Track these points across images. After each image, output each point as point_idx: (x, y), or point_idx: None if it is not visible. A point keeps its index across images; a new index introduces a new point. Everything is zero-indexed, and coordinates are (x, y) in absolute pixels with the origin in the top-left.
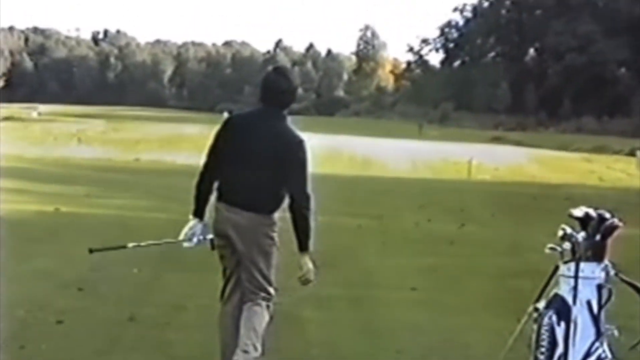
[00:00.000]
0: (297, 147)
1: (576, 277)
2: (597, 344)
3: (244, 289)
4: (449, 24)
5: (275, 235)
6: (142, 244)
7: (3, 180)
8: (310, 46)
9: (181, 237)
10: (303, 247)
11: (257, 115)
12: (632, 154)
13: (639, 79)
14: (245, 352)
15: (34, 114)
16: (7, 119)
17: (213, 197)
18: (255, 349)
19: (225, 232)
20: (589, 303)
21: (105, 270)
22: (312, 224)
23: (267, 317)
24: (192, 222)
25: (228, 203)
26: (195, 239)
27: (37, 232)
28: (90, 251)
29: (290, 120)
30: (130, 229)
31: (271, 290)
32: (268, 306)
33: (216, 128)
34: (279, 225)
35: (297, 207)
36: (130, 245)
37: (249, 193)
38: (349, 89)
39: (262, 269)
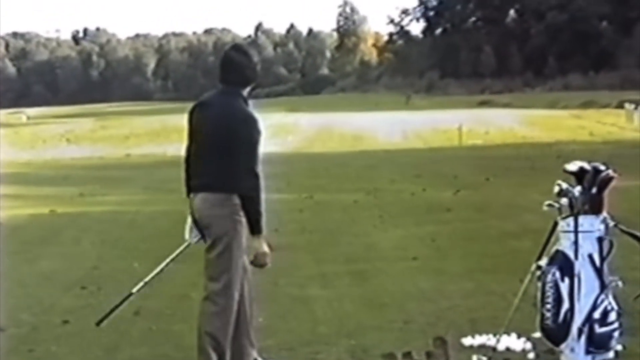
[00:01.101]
0: (245, 124)
1: (576, 231)
2: (602, 297)
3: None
4: None
5: (233, 215)
6: (146, 279)
7: None
8: (291, 27)
9: (186, 236)
10: (254, 230)
11: (215, 96)
12: (620, 106)
13: (622, 32)
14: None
15: (23, 118)
16: None
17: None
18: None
19: (194, 220)
20: (590, 257)
21: (107, 266)
22: (262, 205)
23: (215, 318)
24: (189, 217)
25: (192, 190)
26: (194, 237)
27: (34, 235)
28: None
29: (251, 102)
30: (128, 224)
31: (214, 285)
32: (216, 302)
33: None
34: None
35: (243, 187)
36: (135, 290)
37: (205, 175)
38: (333, 66)
39: (211, 256)
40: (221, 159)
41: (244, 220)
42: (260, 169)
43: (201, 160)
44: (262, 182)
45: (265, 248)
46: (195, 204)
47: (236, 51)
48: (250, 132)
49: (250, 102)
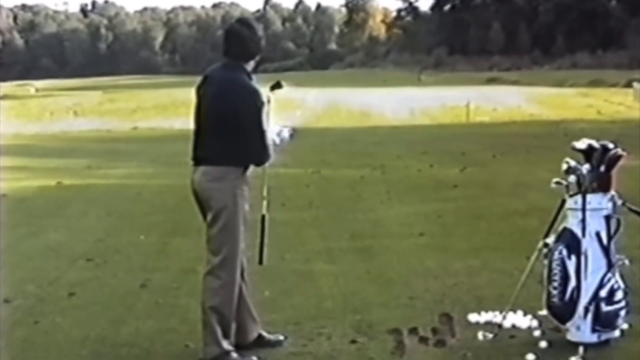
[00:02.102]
0: (248, 98)
1: (584, 209)
2: (609, 275)
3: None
4: None
5: (234, 188)
6: None
7: (4, 159)
8: (300, 2)
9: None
10: None
11: (218, 69)
12: (629, 85)
13: (631, 11)
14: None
15: (31, 91)
16: (2, 97)
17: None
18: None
19: (195, 194)
20: (598, 235)
21: (113, 239)
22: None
23: (219, 292)
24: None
25: (195, 163)
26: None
27: (41, 207)
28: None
29: (259, 76)
30: (135, 197)
31: (216, 259)
32: (218, 276)
33: None
34: (247, 180)
35: (255, 158)
36: None
37: (206, 148)
38: (341, 42)
39: (213, 230)
40: (223, 132)
41: (245, 192)
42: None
43: (204, 133)
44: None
45: None
46: (196, 177)
47: (240, 24)
48: (253, 104)
49: (259, 76)
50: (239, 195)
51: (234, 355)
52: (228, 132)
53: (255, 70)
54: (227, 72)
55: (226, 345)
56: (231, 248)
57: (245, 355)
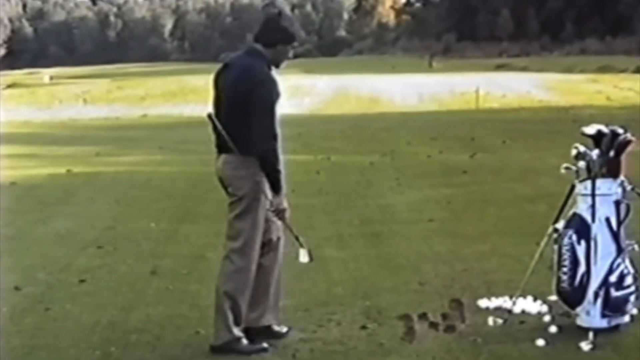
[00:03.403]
0: (262, 86)
1: (593, 194)
2: (618, 260)
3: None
4: None
5: (253, 176)
6: None
7: (13, 146)
8: None
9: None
10: (273, 188)
11: (239, 56)
12: (638, 71)
13: None
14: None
15: (45, 79)
16: (11, 85)
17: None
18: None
19: (219, 181)
20: (607, 220)
21: (123, 226)
22: (280, 165)
23: (232, 277)
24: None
25: (217, 151)
26: None
27: (51, 194)
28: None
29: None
30: (144, 184)
31: (233, 244)
32: (233, 262)
33: None
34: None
35: (259, 149)
36: None
37: (223, 135)
38: (350, 28)
39: (231, 216)
40: (239, 120)
41: (265, 180)
42: (279, 131)
43: (223, 121)
44: (280, 143)
45: (285, 205)
46: (218, 165)
47: (271, 9)
48: (266, 93)
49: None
50: (259, 182)
51: (244, 341)
52: (244, 121)
53: (282, 56)
54: (246, 59)
55: (237, 331)
56: (249, 235)
57: (256, 342)
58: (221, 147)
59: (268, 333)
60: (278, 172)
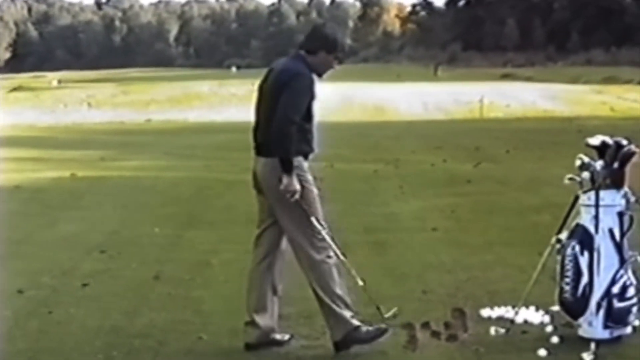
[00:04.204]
0: (293, 78)
1: (597, 205)
2: (621, 272)
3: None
4: None
5: (301, 177)
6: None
7: (18, 150)
8: None
9: None
10: (284, 169)
11: (282, 60)
12: None
13: None
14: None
15: (54, 83)
16: (16, 89)
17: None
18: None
19: (257, 184)
20: (611, 231)
21: (127, 231)
22: (289, 145)
23: (319, 271)
24: None
25: (255, 153)
26: None
27: (55, 198)
28: None
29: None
30: (149, 189)
31: (300, 245)
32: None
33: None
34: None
35: (273, 131)
36: None
37: (262, 138)
38: (356, 36)
39: (283, 222)
40: (272, 120)
41: (309, 177)
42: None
43: (260, 123)
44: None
45: (296, 186)
46: (258, 168)
47: (324, 22)
48: (299, 85)
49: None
50: (304, 181)
51: (364, 328)
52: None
53: (326, 65)
54: (289, 61)
55: (355, 321)
56: (305, 232)
57: (262, 348)
58: (257, 150)
59: (270, 341)
60: (285, 154)
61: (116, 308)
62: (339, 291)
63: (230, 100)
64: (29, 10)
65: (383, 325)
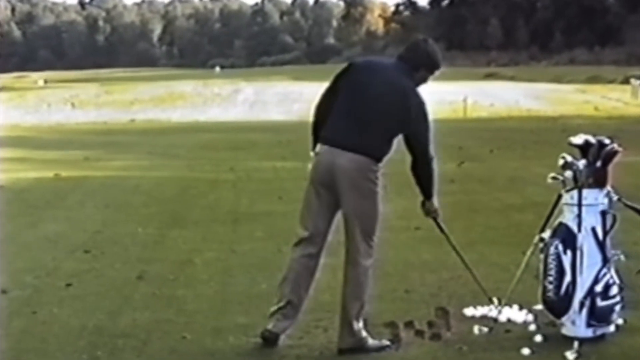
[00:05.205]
0: (420, 106)
1: (580, 204)
2: (604, 270)
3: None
4: None
5: (377, 181)
6: None
7: (1, 150)
8: None
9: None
10: (427, 195)
11: (384, 64)
12: (626, 82)
13: (629, 8)
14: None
15: (40, 82)
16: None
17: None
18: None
19: (324, 177)
20: (593, 230)
21: (111, 231)
22: (435, 174)
23: (363, 278)
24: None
25: (331, 144)
26: None
27: (39, 198)
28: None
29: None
30: (132, 189)
31: (371, 243)
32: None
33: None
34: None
35: (420, 165)
36: None
37: (356, 136)
38: (339, 36)
39: (363, 218)
40: (382, 127)
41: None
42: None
43: (352, 120)
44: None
45: (435, 206)
46: (337, 161)
47: (425, 38)
48: (427, 116)
49: (256, 70)
50: (379, 183)
51: (370, 341)
52: (381, 127)
53: (421, 80)
54: (398, 73)
55: (364, 333)
56: (367, 234)
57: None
58: (349, 146)
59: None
60: (433, 181)
61: (100, 308)
62: (365, 300)
63: (213, 100)
64: (13, 10)
65: (386, 342)
